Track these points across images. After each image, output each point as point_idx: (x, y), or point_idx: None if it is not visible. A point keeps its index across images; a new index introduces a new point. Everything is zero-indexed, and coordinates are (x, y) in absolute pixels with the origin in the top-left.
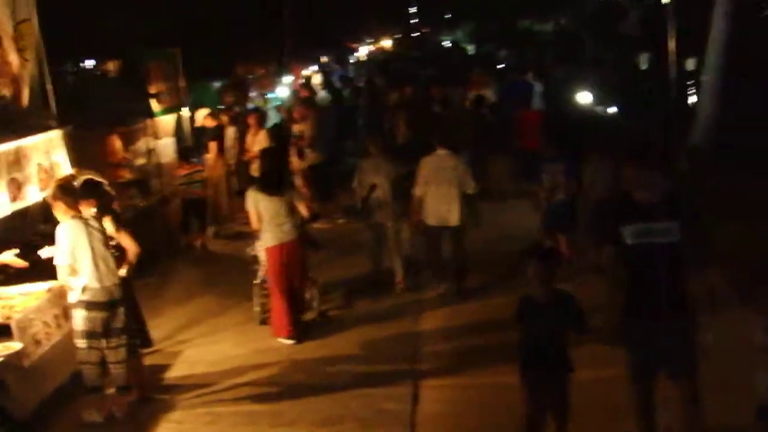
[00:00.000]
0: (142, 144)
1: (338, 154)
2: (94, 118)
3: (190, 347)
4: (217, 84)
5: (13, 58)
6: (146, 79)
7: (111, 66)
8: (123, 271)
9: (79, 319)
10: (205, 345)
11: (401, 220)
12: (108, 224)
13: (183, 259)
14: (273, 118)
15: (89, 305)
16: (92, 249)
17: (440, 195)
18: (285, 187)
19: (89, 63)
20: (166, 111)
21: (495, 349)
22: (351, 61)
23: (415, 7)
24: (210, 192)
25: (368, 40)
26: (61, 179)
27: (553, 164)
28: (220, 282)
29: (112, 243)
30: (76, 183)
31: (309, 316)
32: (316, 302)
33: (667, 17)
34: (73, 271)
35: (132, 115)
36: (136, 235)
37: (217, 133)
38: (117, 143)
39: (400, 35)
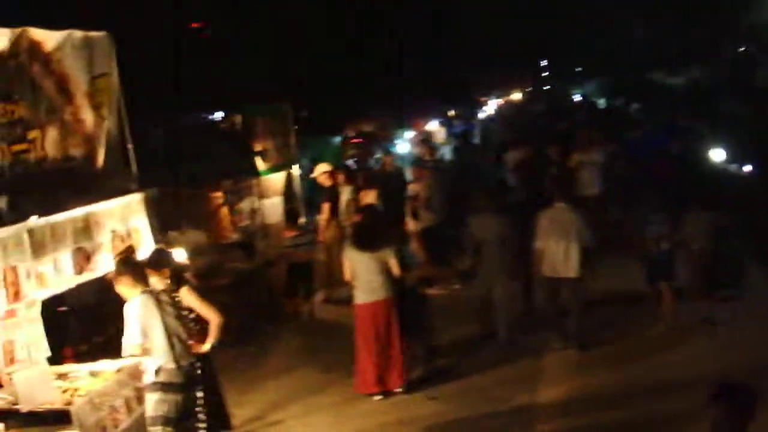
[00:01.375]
0: (246, 204)
1: (456, 216)
2: (190, 176)
3: (280, 430)
4: (337, 139)
5: (88, 116)
6: (251, 135)
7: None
8: (206, 346)
9: (153, 402)
10: (297, 427)
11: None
12: (185, 295)
13: (287, 327)
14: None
15: (164, 387)
16: (165, 325)
17: (559, 248)
18: (379, 244)
19: (218, 115)
20: (274, 169)
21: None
22: (480, 116)
23: (546, 60)
24: (321, 255)
25: (497, 93)
26: (120, 252)
27: (658, 215)
28: (324, 353)
29: (191, 315)
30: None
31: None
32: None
33: None
34: (146, 351)
35: (234, 173)
36: (237, 300)
37: (333, 193)
38: (219, 202)
39: (530, 88)
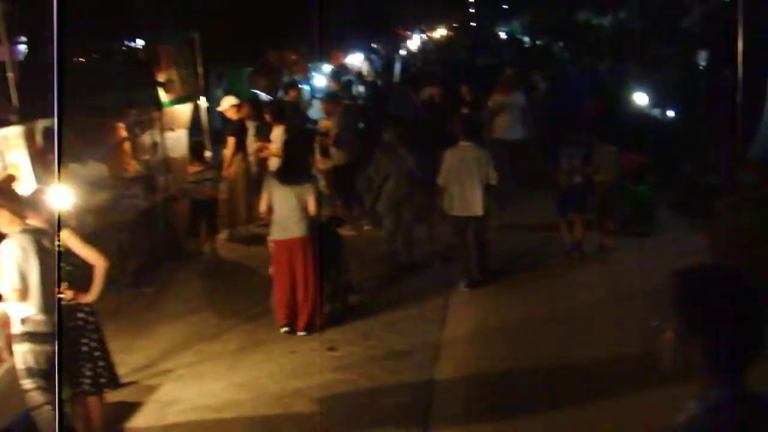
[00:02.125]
0: (148, 137)
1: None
2: (88, 107)
3: (168, 380)
4: (248, 71)
5: None
6: (155, 65)
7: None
8: (90, 295)
9: (21, 354)
10: (187, 378)
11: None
12: (68, 238)
13: (188, 267)
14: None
15: (32, 337)
16: (41, 270)
17: (464, 187)
18: (301, 179)
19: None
20: (179, 101)
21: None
22: (401, 52)
23: None
24: (225, 192)
25: (422, 28)
26: (1, 181)
27: (572, 149)
28: (224, 295)
29: (73, 260)
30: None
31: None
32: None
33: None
34: (23, 296)
35: (136, 104)
36: (136, 238)
37: (239, 127)
38: (121, 134)
39: (456, 24)
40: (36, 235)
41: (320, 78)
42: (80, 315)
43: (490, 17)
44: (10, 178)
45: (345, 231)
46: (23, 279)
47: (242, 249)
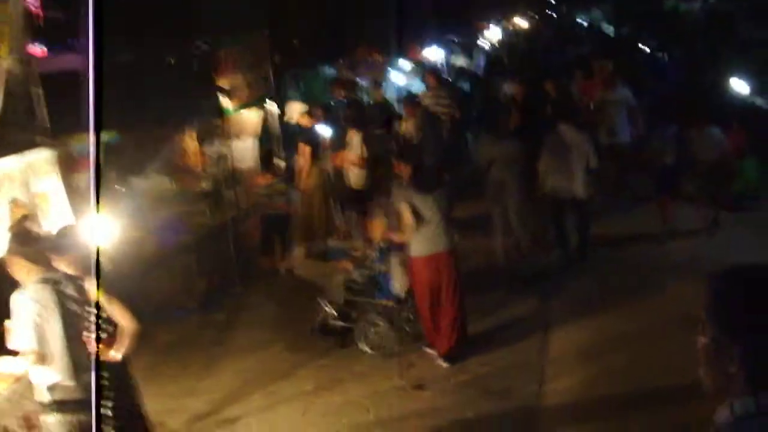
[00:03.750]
0: (213, 148)
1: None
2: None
3: (231, 429)
4: (331, 71)
5: None
6: (216, 69)
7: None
8: (115, 354)
9: (50, 426)
10: (256, 427)
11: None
12: (94, 290)
13: (260, 289)
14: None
15: (61, 406)
16: (65, 327)
17: (562, 169)
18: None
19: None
20: (244, 107)
21: None
22: (479, 43)
23: None
24: (300, 205)
25: (500, 19)
26: (13, 224)
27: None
28: (298, 323)
29: (100, 314)
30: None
31: None
32: None
33: None
34: (41, 359)
35: (196, 113)
36: (203, 259)
37: (313, 134)
38: (186, 145)
39: (534, 13)
40: (57, 284)
41: (397, 75)
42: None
43: (569, 6)
44: (24, 218)
45: None
46: (42, 339)
47: (319, 267)
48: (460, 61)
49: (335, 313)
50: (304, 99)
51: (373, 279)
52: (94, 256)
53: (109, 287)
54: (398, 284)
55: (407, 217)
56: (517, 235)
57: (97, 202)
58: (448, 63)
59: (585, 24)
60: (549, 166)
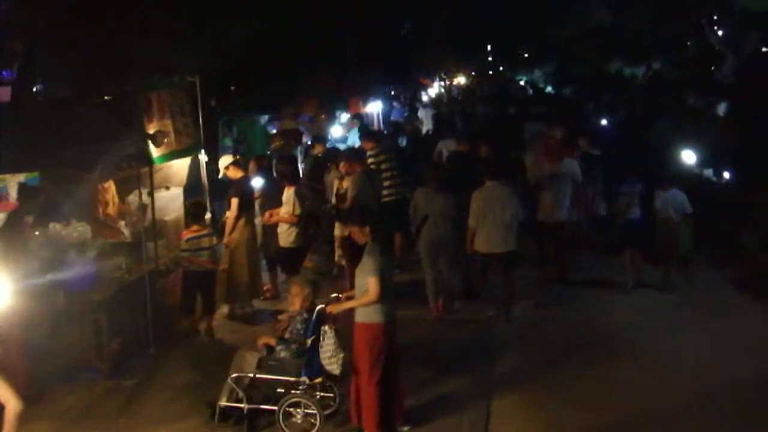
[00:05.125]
0: (135, 196)
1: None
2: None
3: None
4: (264, 118)
5: None
6: (145, 114)
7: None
8: None
9: None
10: None
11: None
12: None
13: (178, 353)
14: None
15: None
16: None
17: (494, 225)
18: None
19: None
20: (173, 155)
21: None
22: (423, 98)
23: (490, 45)
24: (224, 262)
25: (442, 76)
26: None
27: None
28: (217, 389)
29: None
30: None
31: None
32: None
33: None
34: None
35: (123, 159)
36: (117, 317)
37: (243, 187)
38: (108, 192)
39: (474, 72)
40: None
41: (337, 128)
42: None
43: (511, 67)
44: None
45: None
46: None
47: (242, 328)
48: (398, 115)
49: (243, 395)
50: (239, 145)
51: (301, 353)
52: None
53: None
54: (334, 359)
55: (376, 283)
56: (449, 289)
57: None
58: (386, 117)
59: (525, 84)
60: (478, 222)
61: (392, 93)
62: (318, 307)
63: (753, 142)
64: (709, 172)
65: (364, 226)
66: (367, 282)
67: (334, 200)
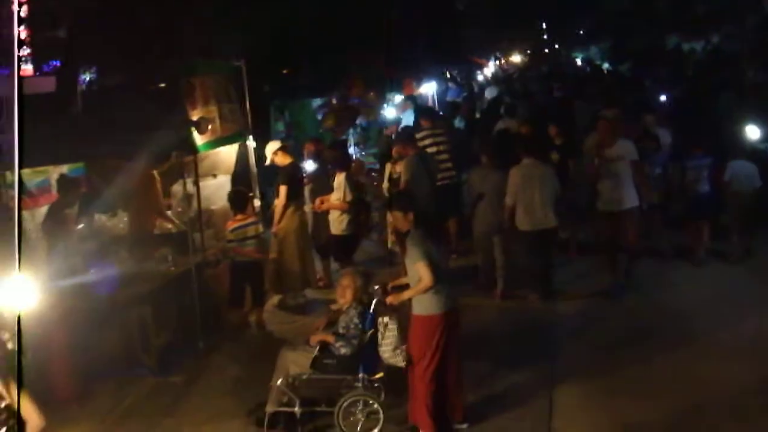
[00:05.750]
0: (179, 186)
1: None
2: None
3: None
4: (316, 102)
5: None
6: (188, 99)
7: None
8: None
9: None
10: None
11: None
12: None
13: (227, 347)
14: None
15: None
16: None
17: (533, 201)
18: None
19: None
20: (217, 142)
21: None
22: (479, 78)
23: (545, 22)
24: (274, 251)
25: (497, 55)
26: None
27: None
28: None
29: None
30: None
31: None
32: None
33: None
34: None
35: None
36: (163, 312)
37: (292, 173)
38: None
39: (529, 51)
40: None
41: (390, 110)
42: None
43: (566, 44)
44: None
45: None
46: None
47: (298, 320)
48: (454, 95)
49: (295, 398)
50: (291, 130)
51: (362, 348)
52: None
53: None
54: (398, 350)
55: (425, 267)
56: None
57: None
58: (441, 98)
59: (581, 62)
60: (516, 199)
61: (447, 74)
62: (375, 299)
63: None
64: None
65: (407, 213)
66: (418, 269)
67: (386, 185)
